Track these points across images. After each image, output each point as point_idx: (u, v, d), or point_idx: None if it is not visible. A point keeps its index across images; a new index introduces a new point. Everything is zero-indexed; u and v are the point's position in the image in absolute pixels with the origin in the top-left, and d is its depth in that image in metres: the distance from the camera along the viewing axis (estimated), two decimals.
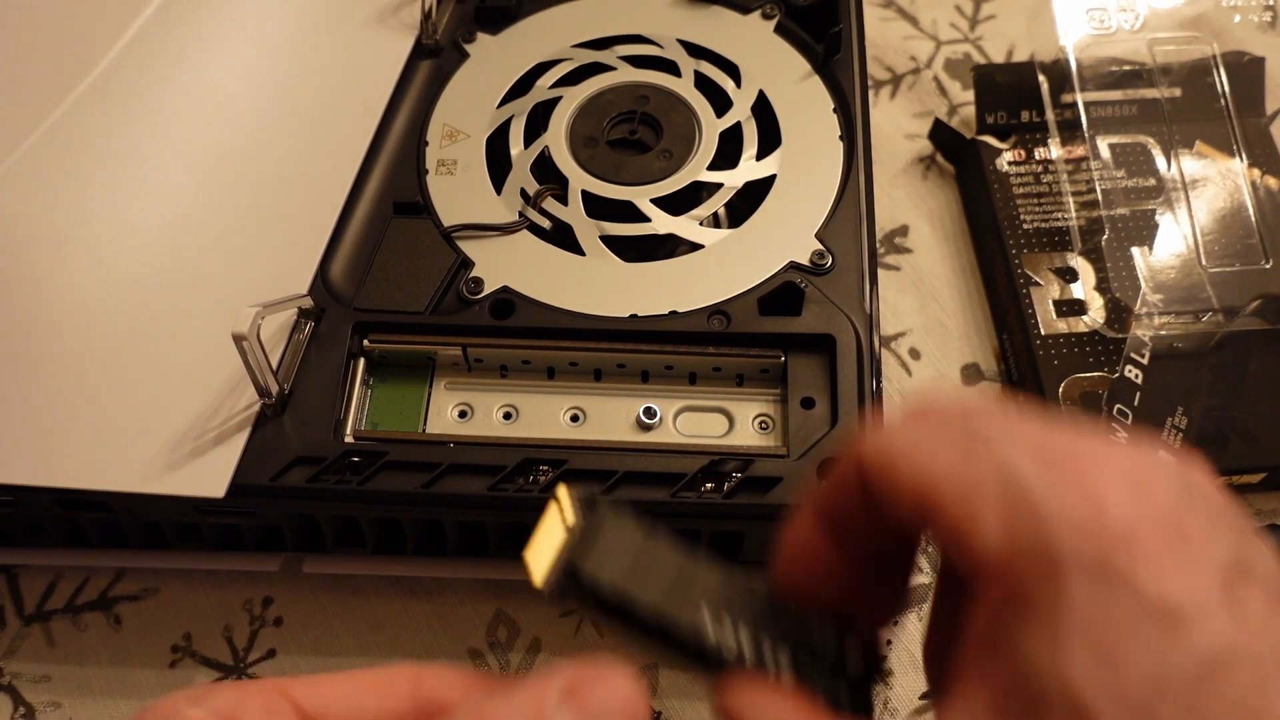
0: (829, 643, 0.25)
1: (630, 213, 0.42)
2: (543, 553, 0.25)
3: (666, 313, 0.39)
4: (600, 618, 0.25)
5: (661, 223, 0.42)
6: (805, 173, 0.43)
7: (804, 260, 0.40)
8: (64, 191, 0.43)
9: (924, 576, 0.40)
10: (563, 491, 0.26)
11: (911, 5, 0.61)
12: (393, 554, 0.40)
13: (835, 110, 0.45)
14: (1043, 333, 0.46)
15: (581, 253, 0.41)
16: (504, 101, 0.47)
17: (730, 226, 0.43)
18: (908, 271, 0.51)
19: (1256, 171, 0.49)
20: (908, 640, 0.41)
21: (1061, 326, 0.46)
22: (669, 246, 0.43)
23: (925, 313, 0.50)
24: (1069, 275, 0.48)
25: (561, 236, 0.42)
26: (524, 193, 0.43)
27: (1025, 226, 0.50)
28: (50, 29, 0.48)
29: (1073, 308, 0.47)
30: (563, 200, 0.43)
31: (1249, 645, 0.20)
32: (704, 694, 0.39)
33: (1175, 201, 0.48)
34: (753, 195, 0.43)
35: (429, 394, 0.39)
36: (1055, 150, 0.51)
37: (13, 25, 0.48)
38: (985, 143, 0.52)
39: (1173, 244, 0.47)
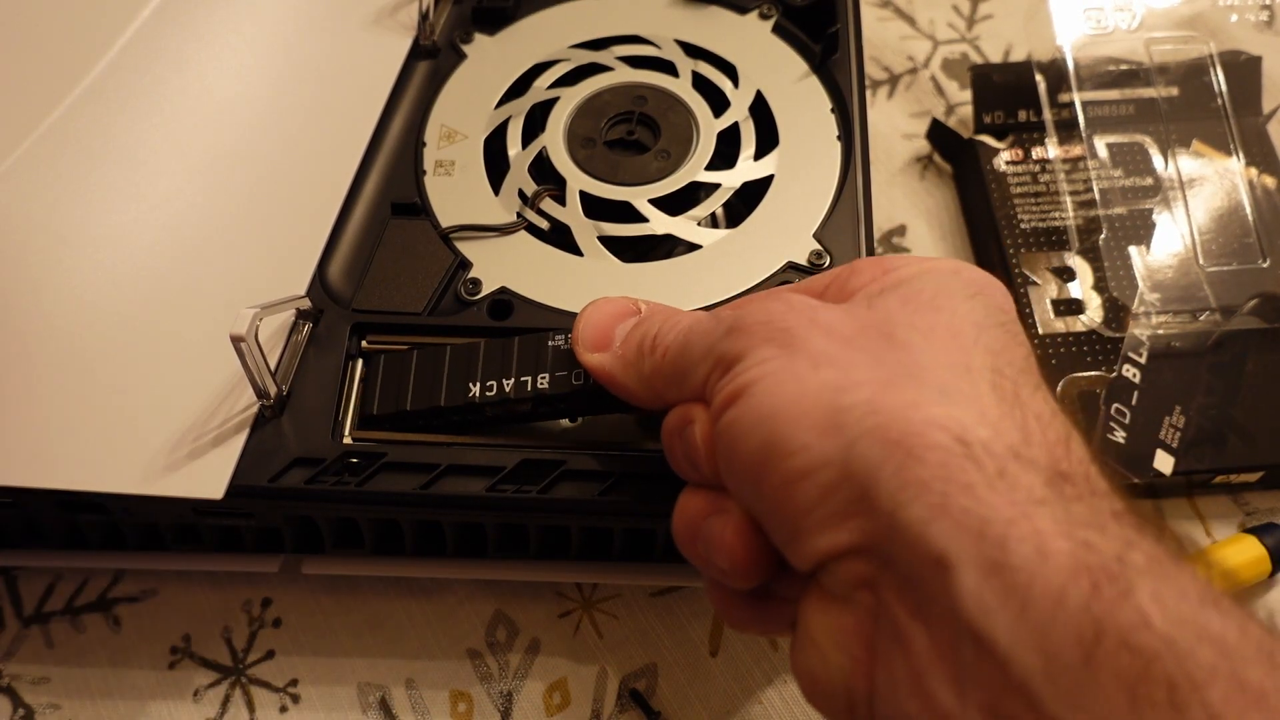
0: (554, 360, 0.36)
1: (628, 213, 0.42)
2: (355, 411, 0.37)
3: None
4: (399, 433, 0.36)
5: (659, 223, 0.42)
6: (803, 173, 0.43)
7: (802, 260, 0.40)
8: (62, 193, 0.43)
9: None
10: (358, 365, 0.38)
11: (909, 5, 0.61)
12: (392, 555, 0.40)
13: (833, 110, 0.45)
14: (1040, 332, 0.46)
15: (579, 253, 0.41)
16: (501, 102, 0.47)
17: (728, 227, 0.43)
18: None
19: (1253, 170, 0.50)
20: None
21: (1059, 326, 0.46)
22: (667, 247, 0.43)
23: None
24: (1067, 274, 0.48)
25: (559, 237, 0.42)
26: (522, 193, 0.43)
27: (1023, 226, 0.50)
28: (48, 30, 0.48)
29: (1070, 307, 0.47)
30: (561, 201, 0.43)
31: None
32: (703, 696, 0.39)
33: (1172, 201, 0.48)
34: (750, 195, 0.43)
35: None
36: (1053, 150, 0.51)
37: (10, 26, 0.48)
38: (983, 142, 0.52)
39: (1170, 243, 0.47)
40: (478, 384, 0.36)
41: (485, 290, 0.40)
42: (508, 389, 0.35)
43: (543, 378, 0.35)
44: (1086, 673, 0.20)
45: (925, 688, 0.23)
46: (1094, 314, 0.47)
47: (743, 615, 0.31)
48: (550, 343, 0.36)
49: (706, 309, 0.39)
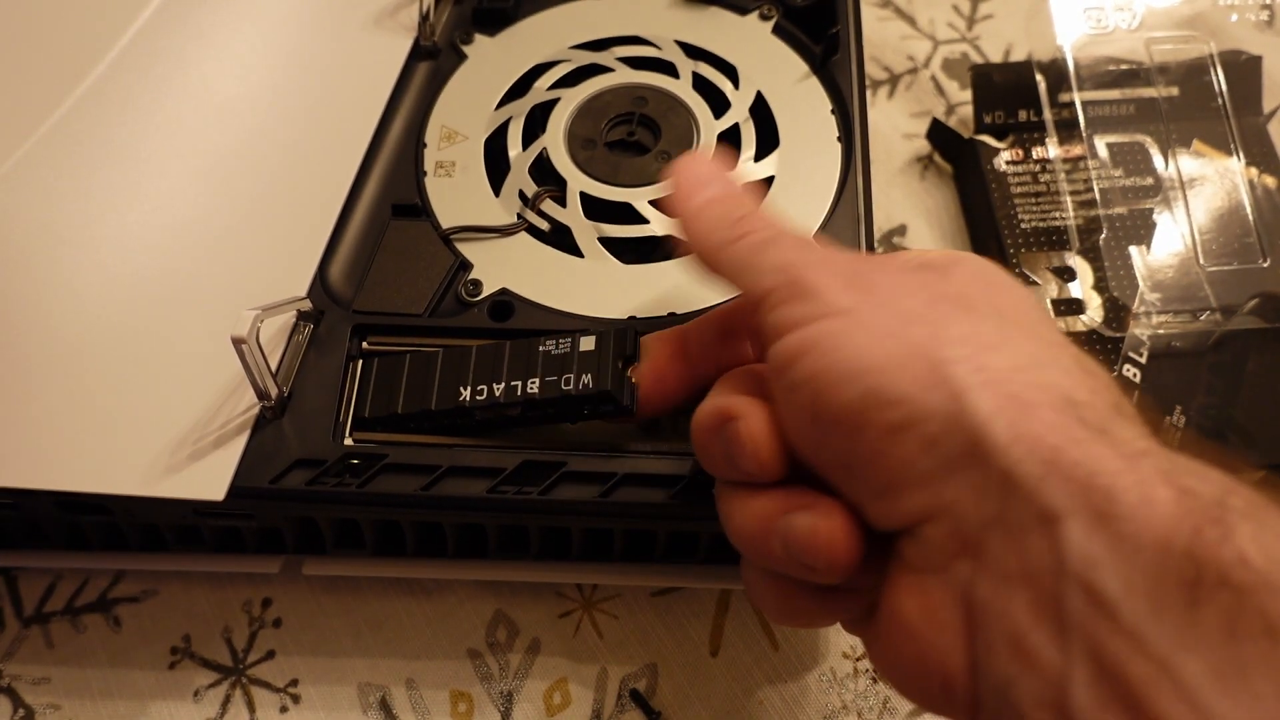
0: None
1: (629, 214, 0.42)
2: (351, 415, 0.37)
3: (665, 315, 0.39)
4: (392, 434, 0.36)
5: (660, 224, 0.42)
6: (803, 174, 0.43)
7: None
8: (63, 194, 0.43)
9: None
10: (358, 366, 0.38)
11: (909, 5, 0.61)
12: (392, 555, 0.40)
13: (833, 111, 0.45)
14: None
15: (580, 255, 0.41)
16: (502, 103, 0.47)
17: None
18: None
19: (1254, 170, 0.50)
20: None
21: (1060, 325, 0.46)
22: (667, 248, 0.43)
23: None
24: (1067, 274, 0.48)
25: (560, 238, 0.42)
26: (522, 194, 0.43)
27: (1023, 226, 0.50)
28: (49, 31, 0.48)
29: (1071, 307, 0.47)
30: (561, 202, 0.43)
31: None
32: (704, 696, 0.39)
33: (1173, 200, 0.48)
34: None
35: None
36: (1053, 149, 0.51)
37: (11, 27, 0.48)
38: (983, 142, 0.52)
39: (1170, 243, 0.47)
40: (468, 388, 0.36)
41: (486, 292, 0.40)
42: (498, 393, 0.35)
43: (533, 383, 0.35)
44: (1191, 612, 0.21)
45: (1026, 647, 0.23)
46: (1094, 314, 0.47)
47: (803, 607, 0.30)
48: (541, 348, 0.36)
49: (707, 311, 0.39)
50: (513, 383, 0.35)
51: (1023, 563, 0.24)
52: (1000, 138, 0.53)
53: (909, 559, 0.27)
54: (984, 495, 0.25)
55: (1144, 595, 0.22)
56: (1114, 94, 0.51)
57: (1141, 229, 0.48)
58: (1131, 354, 0.45)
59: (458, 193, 0.43)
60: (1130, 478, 0.23)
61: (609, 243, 0.42)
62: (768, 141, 0.45)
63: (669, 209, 0.34)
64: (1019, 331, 0.27)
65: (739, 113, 0.45)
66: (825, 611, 0.30)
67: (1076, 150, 0.51)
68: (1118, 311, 0.46)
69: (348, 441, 0.37)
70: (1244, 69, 0.51)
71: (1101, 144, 0.50)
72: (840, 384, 0.26)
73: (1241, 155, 0.49)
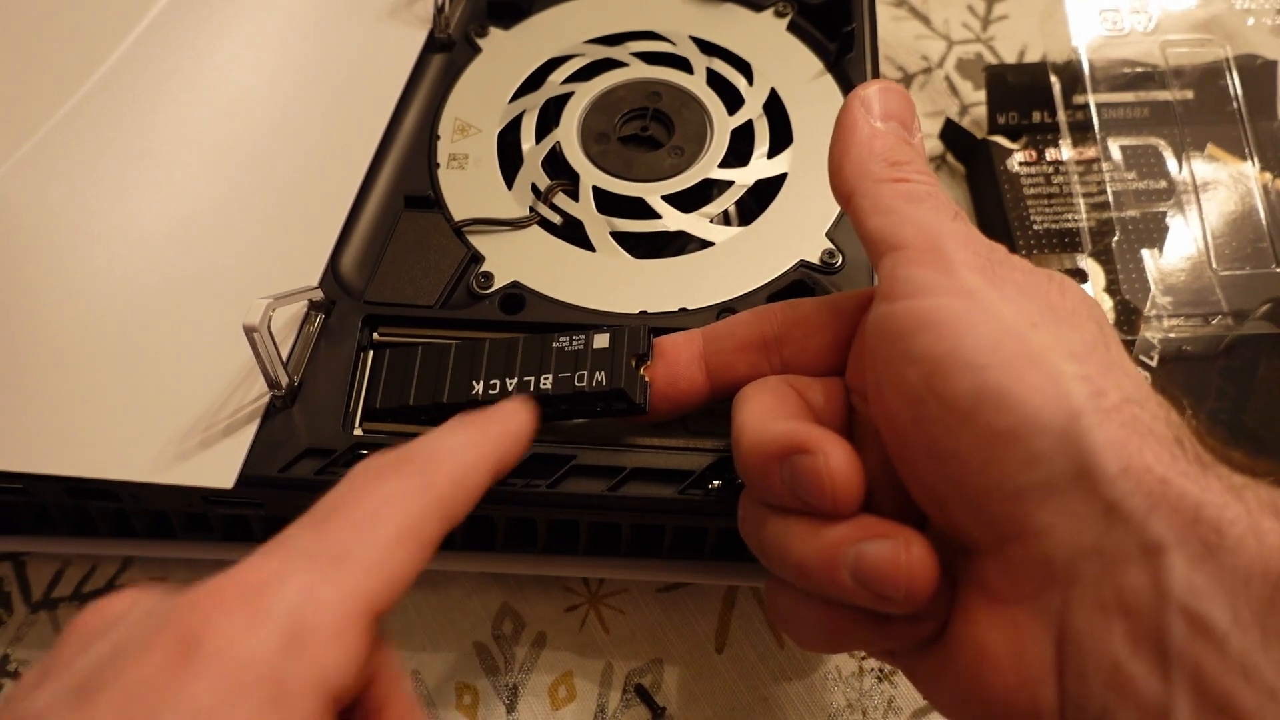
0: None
1: (641, 209, 0.42)
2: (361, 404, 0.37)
3: (676, 310, 0.39)
4: (402, 423, 0.36)
5: (672, 220, 0.42)
6: (817, 171, 0.43)
7: (814, 259, 0.40)
8: (75, 183, 0.43)
9: None
10: (369, 357, 0.38)
11: (924, 5, 0.61)
12: None
13: None
14: None
15: (592, 249, 0.41)
16: (516, 96, 0.47)
17: (741, 224, 0.43)
18: None
19: (1268, 175, 0.49)
20: None
21: None
22: (679, 244, 0.43)
23: None
24: (1079, 276, 0.48)
25: (572, 232, 0.42)
26: (535, 188, 0.43)
27: (1035, 227, 0.50)
28: (62, 21, 0.48)
29: None
30: (574, 196, 0.43)
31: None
32: (709, 692, 0.39)
33: (1186, 204, 0.48)
34: (763, 193, 0.43)
35: None
36: (1066, 151, 0.51)
37: (24, 17, 0.48)
38: (996, 143, 0.52)
39: (1183, 246, 0.47)
40: (481, 382, 0.36)
41: (497, 284, 0.40)
42: (510, 388, 0.35)
43: (545, 378, 0.35)
44: None
45: (1124, 677, 0.23)
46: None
47: (857, 637, 0.29)
48: (554, 344, 0.36)
49: (718, 307, 0.39)
50: (525, 378, 0.35)
51: (1120, 593, 0.23)
52: (1014, 139, 0.52)
53: (994, 588, 0.26)
54: (1082, 524, 0.24)
55: (1253, 626, 0.22)
56: (1128, 96, 0.51)
57: (1154, 232, 0.48)
58: (1142, 357, 0.44)
59: (470, 185, 0.43)
60: (1237, 509, 0.23)
61: (621, 237, 0.42)
62: (781, 138, 0.45)
63: (840, 120, 0.32)
64: (1121, 360, 0.27)
65: (753, 109, 0.45)
66: (879, 641, 0.29)
67: (1090, 152, 0.51)
68: (1129, 314, 0.46)
69: (357, 432, 0.37)
70: (1259, 73, 0.51)
71: (1115, 146, 0.50)
72: (957, 372, 0.25)
73: (1256, 159, 0.49)
